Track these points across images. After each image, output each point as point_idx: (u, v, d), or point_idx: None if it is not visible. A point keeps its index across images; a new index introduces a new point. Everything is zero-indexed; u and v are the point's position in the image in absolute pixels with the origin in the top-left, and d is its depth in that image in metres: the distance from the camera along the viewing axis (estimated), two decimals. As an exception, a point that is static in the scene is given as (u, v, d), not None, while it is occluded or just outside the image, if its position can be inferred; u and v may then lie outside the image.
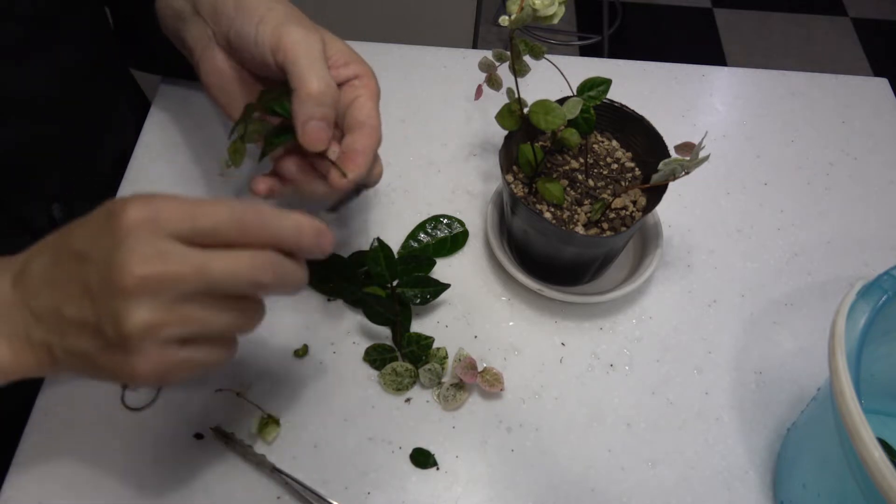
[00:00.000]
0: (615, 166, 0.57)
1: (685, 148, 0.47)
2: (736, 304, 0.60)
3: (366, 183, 0.49)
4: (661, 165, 0.48)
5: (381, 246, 0.53)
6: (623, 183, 0.56)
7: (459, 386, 0.53)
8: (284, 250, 0.37)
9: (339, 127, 0.48)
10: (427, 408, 0.53)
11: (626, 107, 0.57)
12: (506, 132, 0.55)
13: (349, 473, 0.50)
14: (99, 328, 0.35)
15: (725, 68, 0.79)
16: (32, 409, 0.51)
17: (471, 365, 0.53)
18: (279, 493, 0.49)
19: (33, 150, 0.55)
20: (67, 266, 0.36)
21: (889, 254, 0.64)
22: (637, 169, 0.57)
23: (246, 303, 0.38)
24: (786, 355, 0.57)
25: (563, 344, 0.57)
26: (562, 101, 0.52)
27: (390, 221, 0.63)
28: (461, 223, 0.63)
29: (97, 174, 0.64)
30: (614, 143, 0.59)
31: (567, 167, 0.57)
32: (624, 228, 0.53)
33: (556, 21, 0.48)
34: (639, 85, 0.75)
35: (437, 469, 0.51)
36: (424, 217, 0.63)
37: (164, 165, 0.65)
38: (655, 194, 0.53)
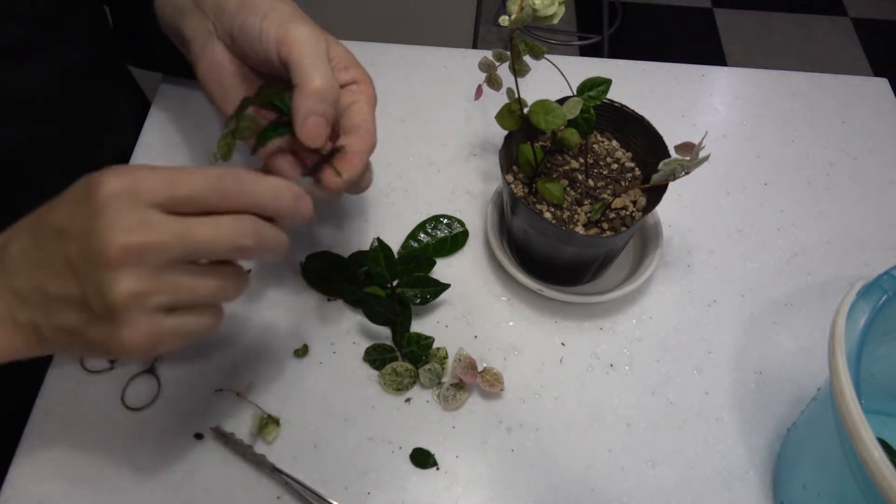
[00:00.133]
0: (615, 166, 0.57)
1: (685, 148, 0.47)
2: (736, 304, 0.60)
3: (355, 189, 0.50)
4: (661, 165, 0.48)
5: (381, 246, 0.53)
6: (623, 183, 0.56)
7: (459, 386, 0.53)
8: (265, 216, 0.38)
9: (335, 129, 0.49)
10: (427, 408, 0.53)
11: (626, 107, 0.57)
12: (506, 132, 0.55)
13: (349, 473, 0.50)
14: (84, 302, 0.35)
15: (725, 68, 0.79)
16: (32, 409, 0.51)
17: (471, 365, 0.53)
18: (279, 493, 0.49)
19: (33, 150, 0.55)
20: (47, 243, 0.36)
21: (889, 254, 0.64)
22: (637, 169, 0.57)
23: (229, 268, 0.39)
24: (786, 355, 0.57)
25: (563, 344, 0.57)
26: (562, 101, 0.52)
27: (390, 221, 0.63)
28: (461, 223, 0.63)
29: (97, 174, 0.64)
30: (614, 143, 0.59)
31: (567, 167, 0.57)
32: (624, 228, 0.53)
33: (556, 21, 0.48)
34: (639, 85, 0.75)
35: (437, 469, 0.51)
36: (424, 217, 0.63)
37: (165, 165, 0.65)
38: (655, 194, 0.53)
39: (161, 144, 0.66)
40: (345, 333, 0.56)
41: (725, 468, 0.52)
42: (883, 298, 0.41)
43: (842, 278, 0.62)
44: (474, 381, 0.53)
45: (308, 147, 0.44)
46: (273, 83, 0.46)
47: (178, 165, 0.36)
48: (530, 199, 0.55)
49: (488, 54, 0.54)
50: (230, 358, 0.54)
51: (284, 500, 0.49)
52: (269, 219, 0.39)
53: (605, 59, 0.78)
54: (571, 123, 0.53)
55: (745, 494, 0.50)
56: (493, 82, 0.55)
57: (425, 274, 0.58)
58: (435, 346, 0.55)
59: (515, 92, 0.53)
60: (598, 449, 0.52)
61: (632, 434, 0.53)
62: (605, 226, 0.54)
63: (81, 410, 0.51)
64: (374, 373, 0.54)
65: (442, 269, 0.60)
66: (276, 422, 0.51)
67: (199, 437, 0.51)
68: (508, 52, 0.52)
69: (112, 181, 0.34)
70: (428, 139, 0.69)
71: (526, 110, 0.52)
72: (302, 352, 0.55)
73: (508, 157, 0.56)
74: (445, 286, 0.55)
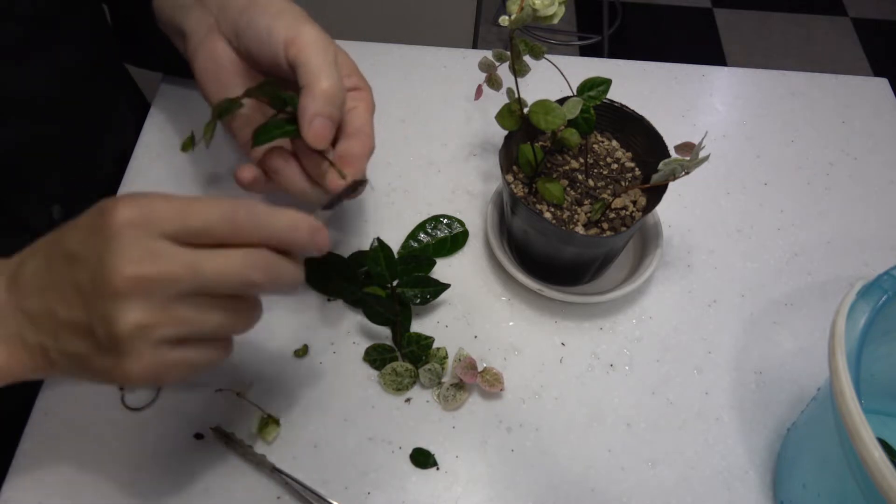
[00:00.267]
0: (615, 166, 0.57)
1: (685, 148, 0.47)
2: (736, 304, 0.60)
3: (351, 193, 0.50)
4: (661, 165, 0.48)
5: (381, 246, 0.53)
6: (623, 183, 0.56)
7: (459, 386, 0.53)
8: (279, 249, 0.37)
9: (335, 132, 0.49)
10: (427, 408, 0.53)
11: (626, 107, 0.57)
12: (506, 132, 0.55)
13: (349, 473, 0.50)
14: (91, 330, 0.34)
15: (725, 68, 0.79)
16: (32, 409, 0.51)
17: (471, 365, 0.53)
18: (279, 493, 0.49)
19: (33, 150, 0.55)
20: (60, 267, 0.36)
21: (889, 254, 0.64)
22: (637, 169, 0.57)
23: (240, 302, 0.38)
24: (786, 355, 0.57)
25: (563, 344, 0.57)
26: (562, 101, 0.52)
27: (390, 221, 0.63)
28: (461, 223, 0.63)
29: (97, 174, 0.64)
30: (614, 143, 0.59)
31: (567, 167, 0.57)
32: (624, 228, 0.53)
33: (556, 21, 0.48)
34: (639, 85, 0.75)
35: (437, 469, 0.51)
36: (424, 217, 0.63)
37: (164, 165, 0.65)
38: (655, 194, 0.53)
39: (161, 144, 0.66)
40: (345, 333, 0.56)
41: (725, 468, 0.52)
42: (883, 298, 0.41)
43: (842, 278, 0.62)
44: (474, 381, 0.53)
45: (312, 148, 0.44)
46: (272, 81, 0.46)
47: (192, 196, 0.36)
48: (530, 199, 0.55)
49: (488, 54, 0.54)
50: (230, 358, 0.54)
51: (284, 500, 0.49)
52: (284, 251, 0.38)
53: (605, 59, 0.78)
54: (571, 123, 0.53)
55: (745, 494, 0.50)
56: (493, 82, 0.55)
57: (425, 274, 0.58)
58: (435, 346, 0.55)
59: (515, 92, 0.53)
60: (598, 449, 0.52)
61: (632, 434, 0.53)
62: (605, 226, 0.54)
63: (81, 410, 0.51)
64: (374, 373, 0.54)
65: (442, 269, 0.60)
66: (276, 422, 0.51)
67: (199, 437, 0.51)
68: (508, 52, 0.52)
69: (126, 209, 0.34)
70: (428, 139, 0.69)
71: (526, 110, 0.52)
72: (302, 352, 0.55)
73: (508, 157, 0.56)
74: (445, 286, 0.55)
